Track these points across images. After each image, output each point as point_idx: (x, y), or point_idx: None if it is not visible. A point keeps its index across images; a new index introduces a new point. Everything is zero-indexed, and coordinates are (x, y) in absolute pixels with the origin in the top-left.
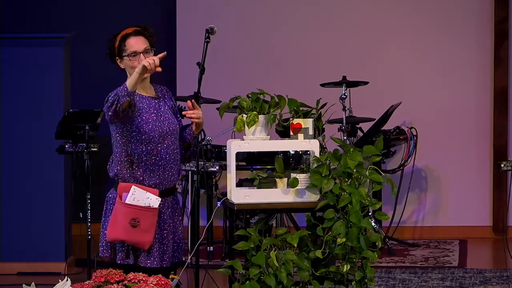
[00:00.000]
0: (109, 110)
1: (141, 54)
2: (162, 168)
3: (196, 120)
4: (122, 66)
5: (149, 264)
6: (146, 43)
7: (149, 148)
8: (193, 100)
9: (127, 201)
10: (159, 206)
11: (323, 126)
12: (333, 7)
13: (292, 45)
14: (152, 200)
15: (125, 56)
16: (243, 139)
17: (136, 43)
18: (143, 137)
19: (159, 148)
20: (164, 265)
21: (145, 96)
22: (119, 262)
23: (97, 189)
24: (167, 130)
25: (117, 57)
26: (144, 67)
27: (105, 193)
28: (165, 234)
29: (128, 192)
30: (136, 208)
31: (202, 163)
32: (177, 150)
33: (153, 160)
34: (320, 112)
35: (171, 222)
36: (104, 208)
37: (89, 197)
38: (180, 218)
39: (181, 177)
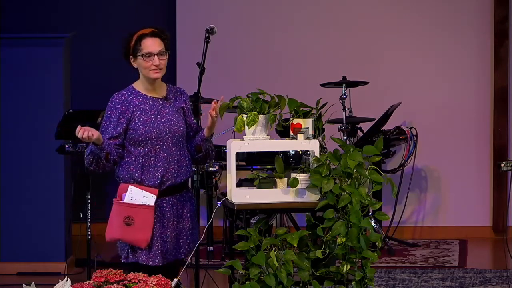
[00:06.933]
0: (94, 169)
1: (156, 56)
2: (162, 169)
3: (213, 116)
4: (135, 65)
5: (151, 262)
6: (162, 45)
7: (146, 149)
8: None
9: (124, 201)
10: (162, 205)
11: (323, 126)
12: (333, 7)
13: (292, 45)
14: (148, 198)
15: (139, 55)
16: (243, 139)
17: (152, 44)
18: (140, 138)
19: (158, 150)
20: (166, 263)
21: (150, 96)
22: (123, 261)
23: (97, 189)
24: (167, 131)
25: (131, 56)
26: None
27: (105, 193)
28: (168, 233)
29: (126, 192)
30: (130, 206)
31: None
32: (182, 151)
33: (152, 162)
34: (320, 112)
35: (176, 220)
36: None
37: (89, 197)
38: (189, 215)
39: None
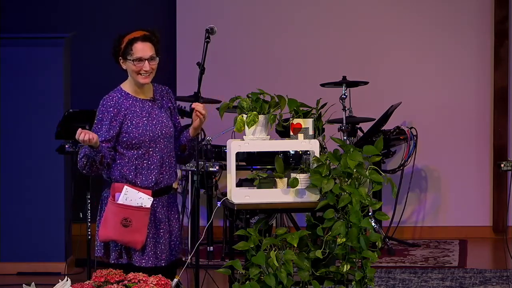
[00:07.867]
0: (87, 172)
1: (146, 61)
2: (156, 171)
3: (200, 113)
4: (124, 67)
5: (143, 264)
6: (153, 50)
7: (140, 152)
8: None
9: (119, 201)
10: (153, 205)
11: (323, 126)
12: (333, 7)
13: (292, 45)
14: (144, 199)
15: (129, 59)
16: (243, 139)
17: (143, 49)
18: (133, 141)
19: (151, 152)
20: (163, 264)
21: (139, 98)
22: (112, 261)
23: (97, 189)
24: (159, 133)
25: (120, 58)
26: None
27: None
28: (161, 234)
29: (121, 192)
30: (128, 208)
31: (202, 163)
32: (172, 152)
33: (145, 164)
34: (320, 112)
35: (167, 221)
36: (99, 207)
37: (89, 197)
38: (177, 216)
39: (181, 176)
